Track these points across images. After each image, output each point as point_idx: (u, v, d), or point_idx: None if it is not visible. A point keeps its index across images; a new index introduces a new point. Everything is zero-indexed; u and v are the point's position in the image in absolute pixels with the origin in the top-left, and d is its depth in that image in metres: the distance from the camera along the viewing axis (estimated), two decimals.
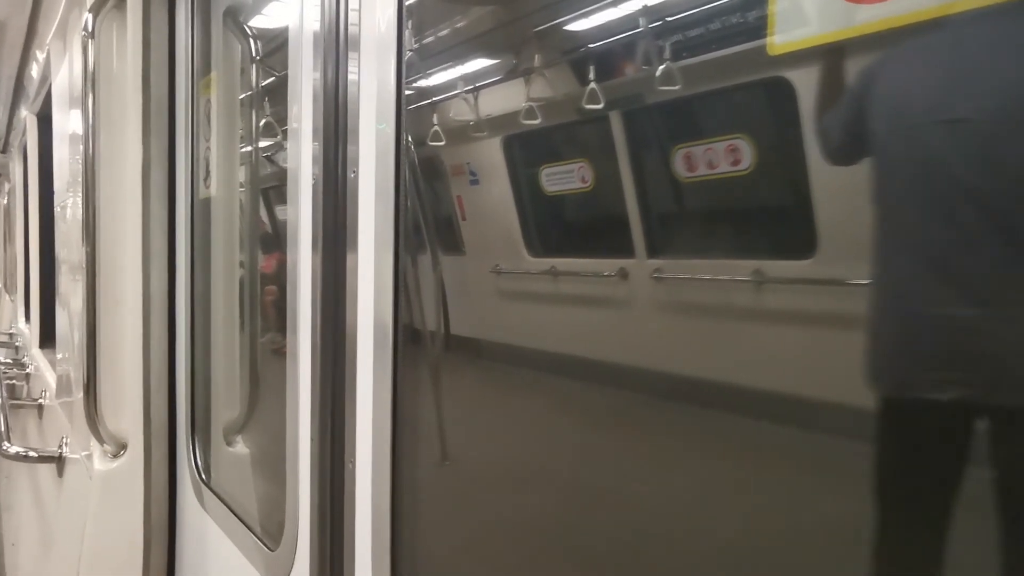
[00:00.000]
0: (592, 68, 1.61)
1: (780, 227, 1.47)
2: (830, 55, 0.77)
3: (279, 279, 1.36)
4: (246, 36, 1.82)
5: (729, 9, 1.17)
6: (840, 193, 1.05)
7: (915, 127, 0.81)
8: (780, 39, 0.70)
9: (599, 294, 1.83)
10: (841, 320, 0.97)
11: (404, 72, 1.00)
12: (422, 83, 1.60)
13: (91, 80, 1.81)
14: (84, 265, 1.88)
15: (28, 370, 3.81)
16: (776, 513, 1.09)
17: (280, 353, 1.33)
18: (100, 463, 1.88)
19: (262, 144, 1.89)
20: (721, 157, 1.57)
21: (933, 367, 0.82)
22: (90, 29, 1.80)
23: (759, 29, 0.74)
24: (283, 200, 1.30)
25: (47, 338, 3.57)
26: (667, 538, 1.21)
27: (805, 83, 0.87)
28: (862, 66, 0.78)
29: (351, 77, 1.08)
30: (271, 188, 1.97)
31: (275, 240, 2.04)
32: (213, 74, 1.84)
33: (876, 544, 0.80)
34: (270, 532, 1.37)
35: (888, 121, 0.82)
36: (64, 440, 2.41)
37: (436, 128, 1.80)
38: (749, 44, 1.06)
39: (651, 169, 1.83)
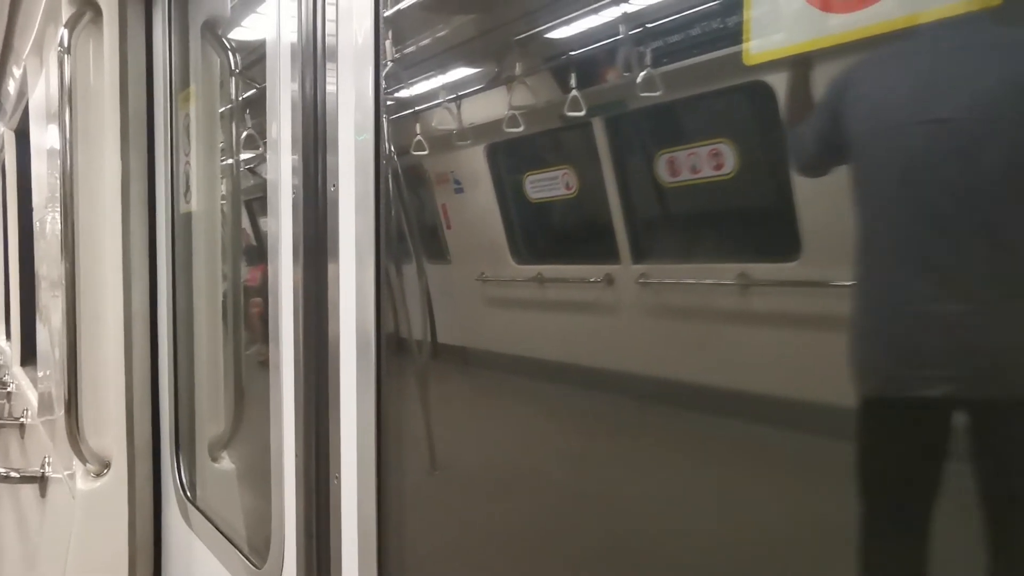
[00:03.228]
0: (573, 75, 1.61)
1: (765, 230, 1.48)
2: (801, 66, 0.78)
3: (262, 291, 1.35)
4: (224, 49, 1.81)
5: (708, 15, 1.17)
6: (824, 195, 1.05)
7: (897, 129, 0.81)
8: (756, 46, 0.70)
9: (585, 300, 1.83)
10: (829, 321, 0.97)
11: (383, 83, 0.99)
12: (403, 93, 1.60)
13: (68, 95, 1.79)
14: (64, 281, 1.85)
15: (9, 388, 3.76)
16: (762, 513, 1.09)
17: (264, 365, 1.31)
18: (83, 483, 1.85)
19: (242, 157, 1.88)
20: (704, 161, 1.57)
21: (922, 364, 0.82)
22: (66, 44, 1.78)
23: (737, 36, 0.74)
24: (264, 212, 1.29)
25: (28, 356, 3.52)
26: (650, 540, 1.21)
27: (785, 86, 0.87)
28: (834, 76, 0.79)
29: (329, 88, 1.08)
30: (252, 200, 1.96)
31: (256, 252, 2.03)
32: (192, 88, 1.83)
33: (867, 540, 0.80)
34: (257, 549, 1.35)
35: (869, 124, 0.82)
36: (46, 460, 2.37)
37: (419, 138, 1.79)
38: (728, 50, 1.06)
39: (635, 174, 1.83)
